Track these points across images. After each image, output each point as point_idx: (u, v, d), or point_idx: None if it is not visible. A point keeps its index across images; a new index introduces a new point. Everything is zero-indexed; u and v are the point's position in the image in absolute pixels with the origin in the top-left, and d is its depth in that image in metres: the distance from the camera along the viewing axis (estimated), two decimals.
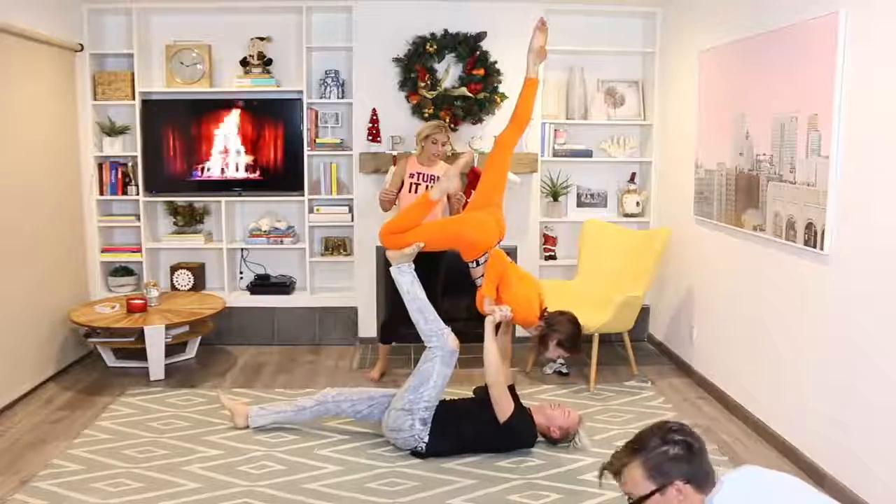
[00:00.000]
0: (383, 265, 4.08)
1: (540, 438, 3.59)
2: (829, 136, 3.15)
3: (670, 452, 1.83)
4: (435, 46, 5.04)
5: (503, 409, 3.44)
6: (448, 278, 4.56)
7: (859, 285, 3.02)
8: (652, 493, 1.82)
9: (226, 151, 5.24)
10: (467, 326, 4.65)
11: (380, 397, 3.66)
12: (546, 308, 3.65)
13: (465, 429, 3.49)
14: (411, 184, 4.45)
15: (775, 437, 3.64)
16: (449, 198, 4.47)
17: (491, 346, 3.46)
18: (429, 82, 5.06)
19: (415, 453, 3.49)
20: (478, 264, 3.67)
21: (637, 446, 1.88)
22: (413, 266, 3.70)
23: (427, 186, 4.39)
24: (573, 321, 3.55)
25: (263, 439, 3.66)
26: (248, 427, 3.76)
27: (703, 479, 1.83)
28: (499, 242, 3.72)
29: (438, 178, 4.40)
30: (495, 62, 5.12)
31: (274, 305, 5.33)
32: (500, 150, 3.78)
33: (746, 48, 3.90)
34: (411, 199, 4.40)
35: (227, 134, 5.23)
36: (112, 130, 5.21)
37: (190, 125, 5.21)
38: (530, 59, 3.73)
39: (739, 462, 3.49)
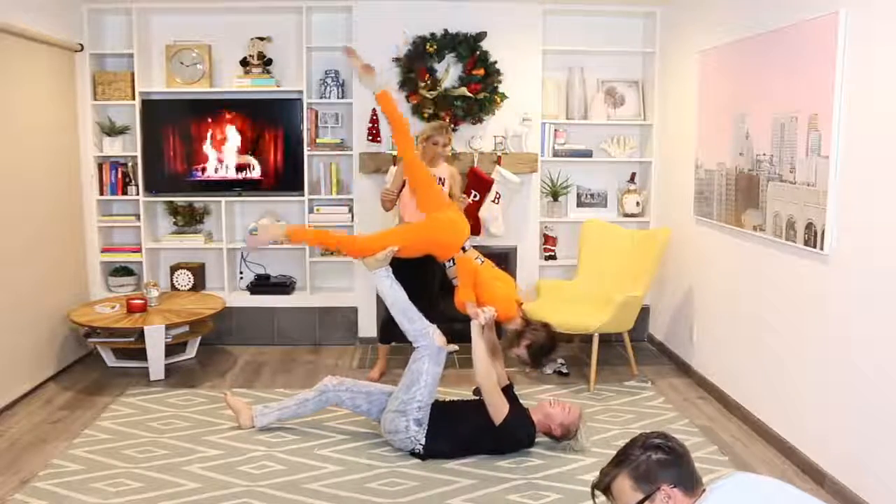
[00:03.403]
0: None
1: (540, 438, 3.59)
2: (829, 136, 3.15)
3: (654, 458, 1.85)
4: (435, 46, 5.04)
5: (498, 410, 3.44)
6: (446, 278, 4.55)
7: (859, 285, 3.02)
8: (641, 502, 1.83)
9: (226, 151, 5.25)
10: (466, 327, 4.65)
11: (378, 394, 3.66)
12: (523, 303, 3.72)
13: (462, 430, 3.49)
14: None
15: (775, 437, 3.65)
16: (451, 199, 4.49)
17: (479, 350, 3.47)
18: (429, 82, 5.05)
19: (414, 454, 3.49)
20: (454, 263, 3.73)
21: (622, 458, 1.92)
22: (391, 270, 3.73)
23: None
24: (551, 335, 3.59)
25: (264, 439, 3.66)
26: (253, 427, 3.76)
27: (690, 483, 1.84)
28: (466, 241, 3.78)
29: (440, 178, 4.43)
30: (495, 62, 5.12)
31: (274, 305, 5.33)
32: (408, 163, 3.90)
33: (746, 48, 3.90)
34: (412, 199, 4.41)
35: (227, 134, 5.23)
36: (112, 130, 5.21)
37: (190, 125, 5.21)
38: (364, 82, 3.95)
39: (739, 462, 3.50)
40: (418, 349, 3.56)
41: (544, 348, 3.56)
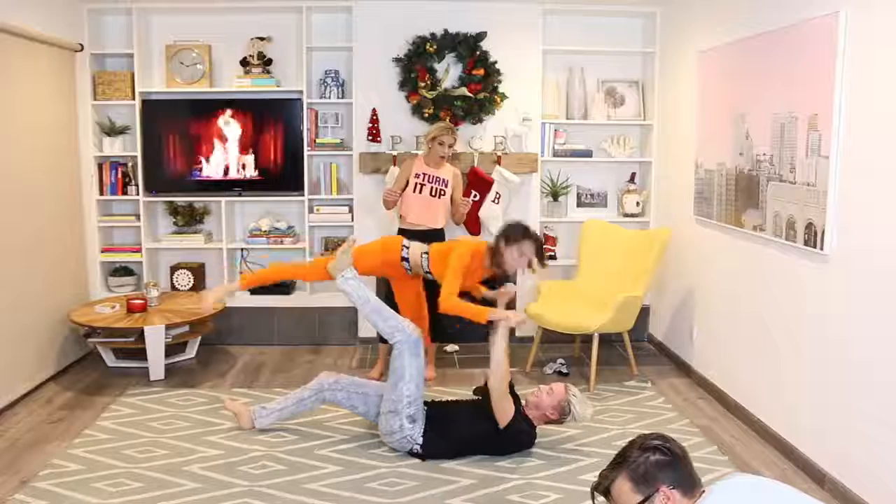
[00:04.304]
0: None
1: (541, 438, 3.59)
2: (829, 136, 3.15)
3: (652, 459, 1.85)
4: (435, 46, 5.04)
5: (505, 414, 3.42)
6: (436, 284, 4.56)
7: (859, 285, 3.02)
8: None
9: (226, 151, 5.25)
10: (466, 327, 4.65)
11: (374, 395, 3.65)
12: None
13: (461, 431, 3.48)
14: (416, 184, 4.47)
15: (775, 437, 3.65)
16: (453, 201, 4.51)
17: (499, 354, 3.43)
18: (429, 82, 5.06)
19: (413, 454, 3.48)
20: (411, 269, 3.97)
21: (620, 460, 1.91)
22: (356, 271, 3.75)
23: (432, 187, 4.43)
24: (518, 223, 3.77)
25: (264, 439, 3.66)
26: (253, 427, 3.76)
27: (689, 485, 1.84)
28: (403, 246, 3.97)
29: (444, 179, 4.45)
30: (495, 62, 5.12)
31: (274, 305, 5.33)
32: (311, 273, 4.06)
33: (746, 48, 3.90)
34: (415, 199, 4.43)
35: (227, 134, 5.23)
36: (112, 130, 5.21)
37: (190, 125, 5.21)
38: (234, 290, 4.21)
39: (739, 462, 3.50)
40: (396, 345, 3.55)
41: (523, 226, 3.74)
